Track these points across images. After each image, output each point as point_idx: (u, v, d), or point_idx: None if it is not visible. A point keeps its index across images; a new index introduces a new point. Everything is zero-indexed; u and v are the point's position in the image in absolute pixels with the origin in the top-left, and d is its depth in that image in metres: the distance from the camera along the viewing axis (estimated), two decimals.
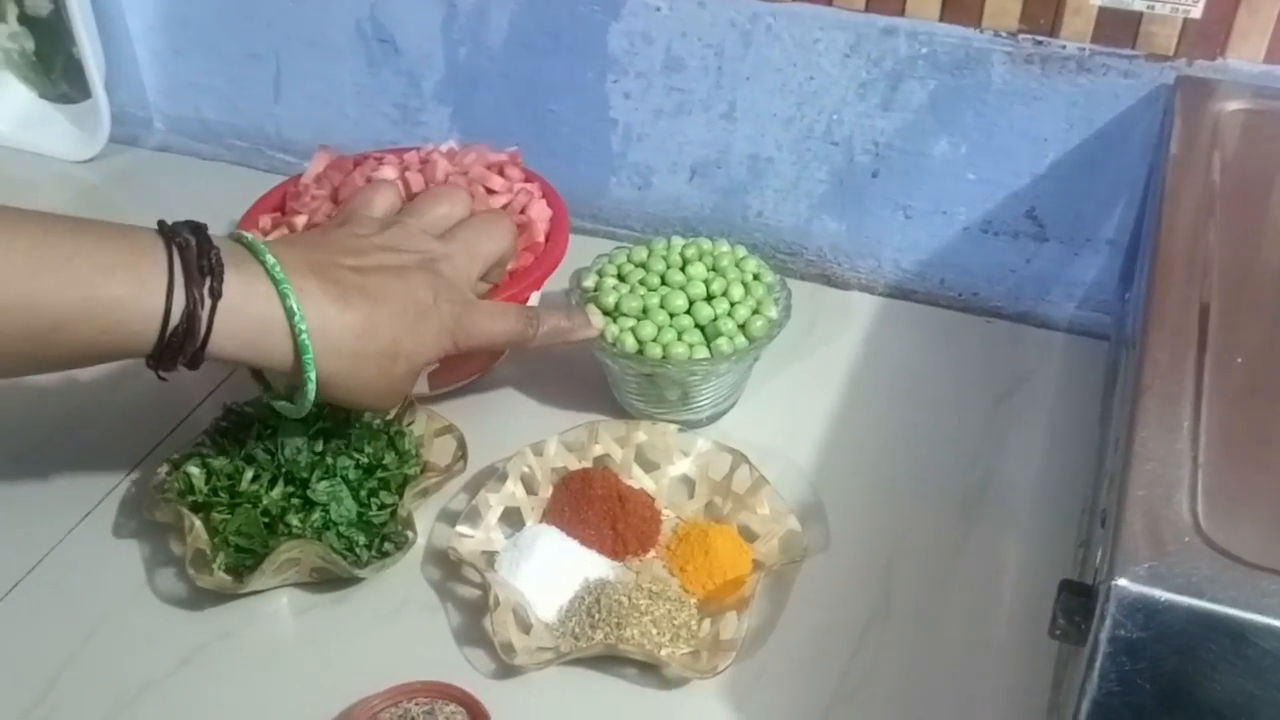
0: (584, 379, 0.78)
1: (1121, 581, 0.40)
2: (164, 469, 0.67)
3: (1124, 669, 0.41)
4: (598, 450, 0.71)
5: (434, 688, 0.58)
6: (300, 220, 0.73)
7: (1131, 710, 0.41)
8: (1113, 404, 0.67)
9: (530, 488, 0.69)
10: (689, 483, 0.70)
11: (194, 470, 0.64)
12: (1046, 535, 0.68)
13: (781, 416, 0.76)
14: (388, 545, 0.64)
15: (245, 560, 0.62)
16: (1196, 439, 0.46)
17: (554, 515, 0.68)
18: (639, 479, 0.70)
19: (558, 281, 0.75)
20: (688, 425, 0.72)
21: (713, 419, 0.75)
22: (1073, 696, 0.43)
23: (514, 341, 0.66)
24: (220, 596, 0.63)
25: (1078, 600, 0.44)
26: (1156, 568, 0.41)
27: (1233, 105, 0.70)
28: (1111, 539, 0.42)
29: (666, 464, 0.71)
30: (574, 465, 0.70)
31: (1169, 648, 0.40)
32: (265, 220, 0.76)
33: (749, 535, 0.67)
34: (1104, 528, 0.46)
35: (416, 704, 0.58)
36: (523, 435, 0.70)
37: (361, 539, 0.63)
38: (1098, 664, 0.41)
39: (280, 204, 0.77)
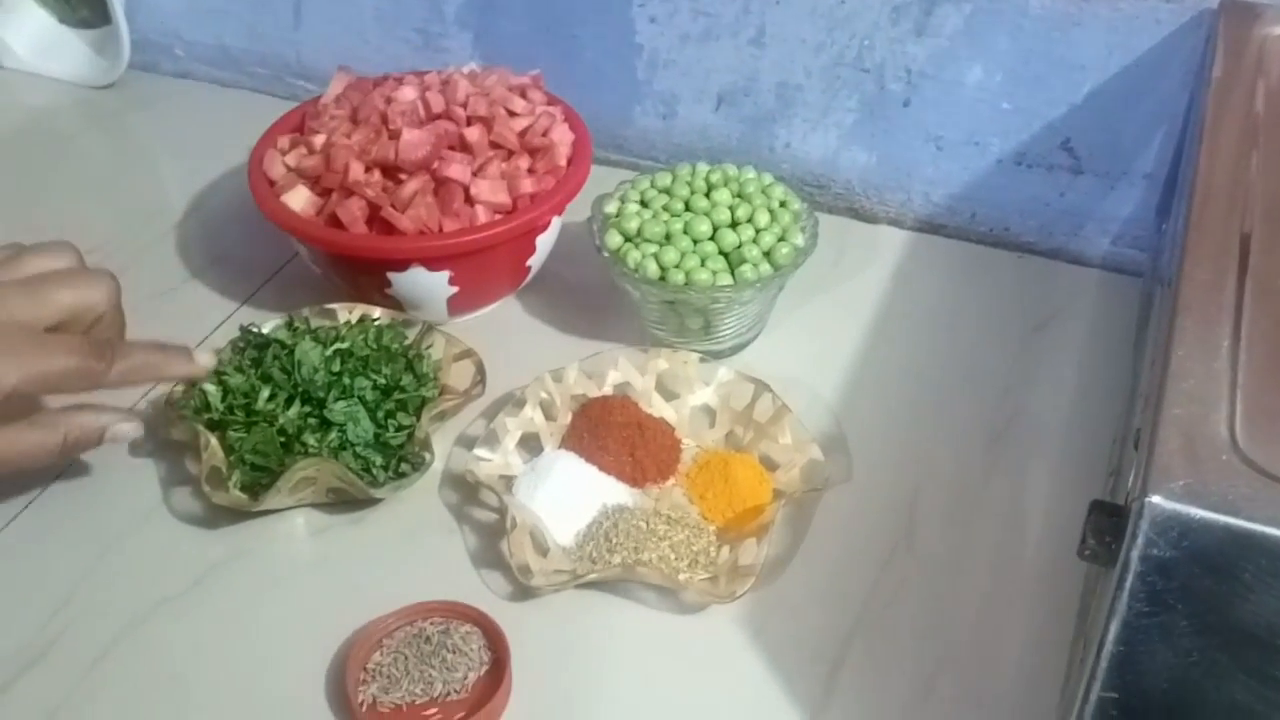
0: (605, 307, 0.77)
1: (1155, 498, 0.39)
2: (179, 387, 0.66)
3: (1155, 589, 0.40)
4: (617, 378, 0.70)
5: (449, 608, 0.58)
6: (319, 140, 0.72)
7: (1162, 632, 0.40)
8: (1146, 340, 0.65)
9: (549, 414, 0.68)
10: (709, 412, 0.69)
11: (210, 388, 0.64)
12: (1075, 469, 0.66)
13: (805, 349, 0.75)
14: (404, 466, 0.63)
15: (261, 479, 0.61)
16: (1235, 360, 0.45)
17: (573, 441, 0.67)
18: (659, 408, 0.69)
19: (582, 206, 0.74)
20: (709, 356, 0.71)
21: (735, 350, 0.74)
22: (1100, 619, 0.42)
23: (79, 379, 0.57)
24: (235, 515, 0.63)
25: (1108, 520, 0.42)
26: (1192, 485, 0.39)
27: (1278, 30, 0.67)
28: (1146, 457, 0.41)
29: (687, 393, 0.70)
30: (593, 393, 0.69)
31: (1202, 567, 0.39)
32: (283, 140, 0.74)
33: (770, 465, 0.66)
34: (1137, 449, 0.45)
35: (431, 623, 0.57)
36: (542, 362, 0.70)
37: (378, 460, 0.63)
38: (1128, 584, 0.40)
39: (299, 125, 0.76)
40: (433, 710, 0.55)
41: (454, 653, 0.56)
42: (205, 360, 0.63)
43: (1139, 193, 0.79)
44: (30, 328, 0.57)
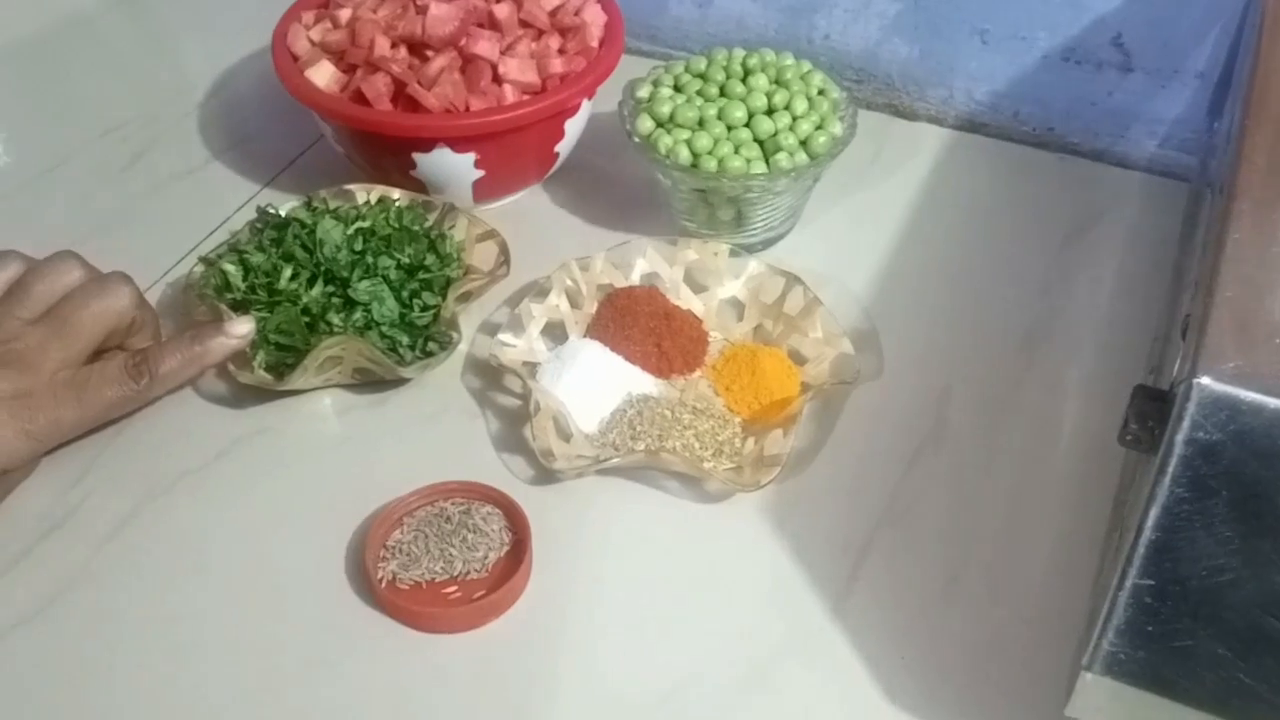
0: (634, 198, 0.75)
1: (1204, 380, 0.38)
2: (199, 268, 0.66)
3: (1199, 473, 0.39)
4: (645, 268, 0.68)
5: (471, 488, 0.57)
6: (344, 14, 0.70)
7: (1203, 517, 0.39)
8: (1193, 242, 0.63)
9: (574, 302, 0.67)
10: (738, 305, 0.68)
11: (230, 268, 0.63)
12: (1109, 372, 0.65)
13: (838, 246, 0.73)
14: (432, 345, 0.62)
15: (286, 358, 0.61)
16: None
17: (598, 330, 0.65)
18: (686, 300, 0.68)
19: (612, 95, 0.72)
20: (740, 249, 0.69)
21: (766, 244, 0.72)
22: (1139, 506, 0.40)
23: (129, 403, 0.59)
24: (260, 395, 0.62)
25: (1152, 404, 0.41)
26: (1243, 367, 0.38)
27: None
28: (1196, 339, 0.39)
29: (716, 285, 0.68)
30: (620, 282, 0.68)
31: (1250, 451, 0.38)
32: (308, 15, 0.72)
33: (798, 359, 0.65)
34: (1184, 337, 0.43)
35: (453, 503, 0.57)
36: (568, 252, 0.68)
37: (405, 339, 0.62)
38: (1170, 468, 0.39)
39: (324, 0, 0.74)
40: (452, 588, 0.54)
41: (474, 532, 0.55)
42: (242, 328, 0.60)
43: (1190, 93, 0.76)
44: (70, 367, 0.57)
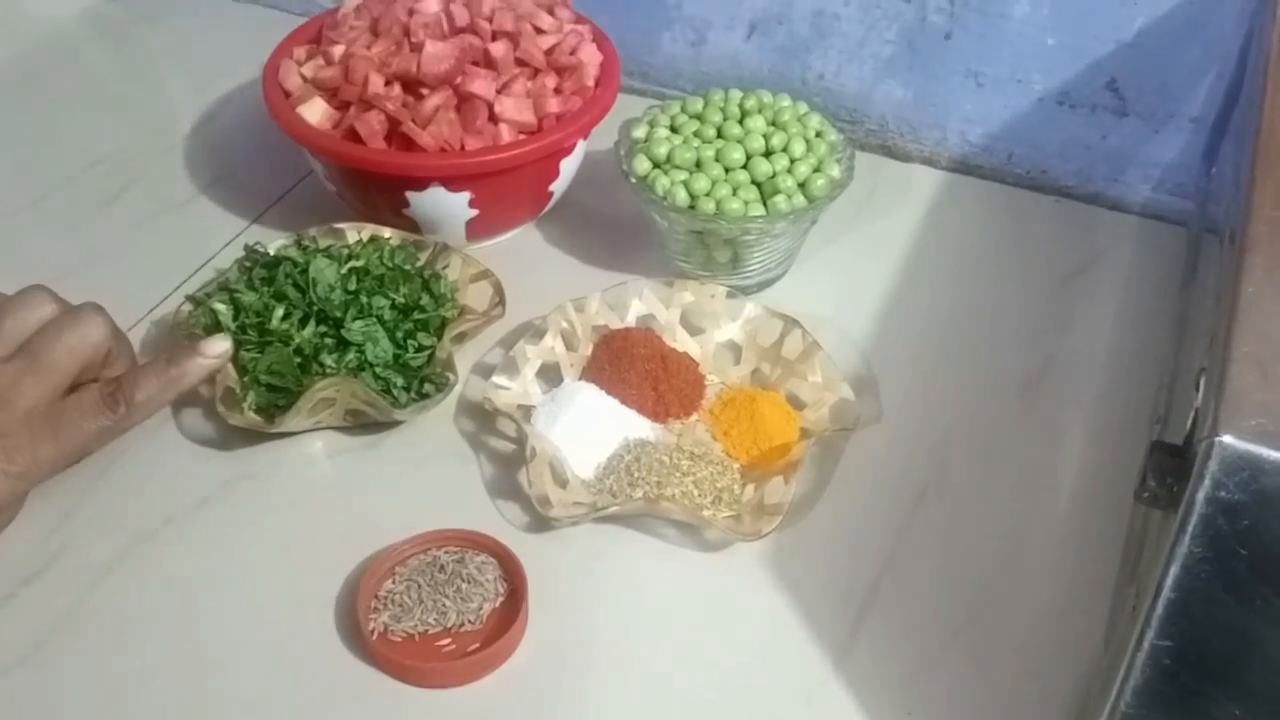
0: (628, 238, 0.74)
1: (1226, 438, 0.37)
2: (186, 306, 0.64)
3: (1220, 533, 0.38)
4: (641, 309, 0.67)
5: (465, 536, 0.56)
6: (337, 50, 0.69)
7: (1225, 578, 0.38)
8: (1195, 287, 0.63)
9: (570, 344, 0.66)
10: (735, 348, 0.67)
11: (220, 306, 0.61)
12: (1111, 417, 0.64)
13: (834, 288, 0.73)
14: (428, 387, 0.61)
15: (277, 400, 0.59)
16: None
17: (594, 373, 0.64)
18: (683, 342, 0.67)
19: (607, 133, 0.71)
20: (735, 291, 0.68)
21: (762, 286, 0.72)
22: (1157, 565, 0.40)
23: (108, 434, 0.57)
24: (249, 437, 0.61)
25: (1171, 461, 0.40)
26: (1265, 425, 0.37)
27: None
28: (1215, 395, 0.39)
29: (713, 328, 0.67)
30: (616, 324, 0.67)
31: (1273, 510, 0.37)
32: (300, 51, 0.71)
33: (797, 404, 0.64)
34: (1198, 390, 0.42)
35: (446, 552, 0.55)
36: (562, 292, 0.67)
37: (399, 381, 0.60)
38: (1191, 526, 0.38)
39: (317, 35, 0.73)
40: (446, 640, 0.53)
41: (469, 582, 0.54)
42: (218, 347, 0.58)
43: (1184, 137, 0.76)
44: (46, 403, 0.55)
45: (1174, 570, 0.39)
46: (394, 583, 0.55)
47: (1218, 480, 0.37)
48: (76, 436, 0.55)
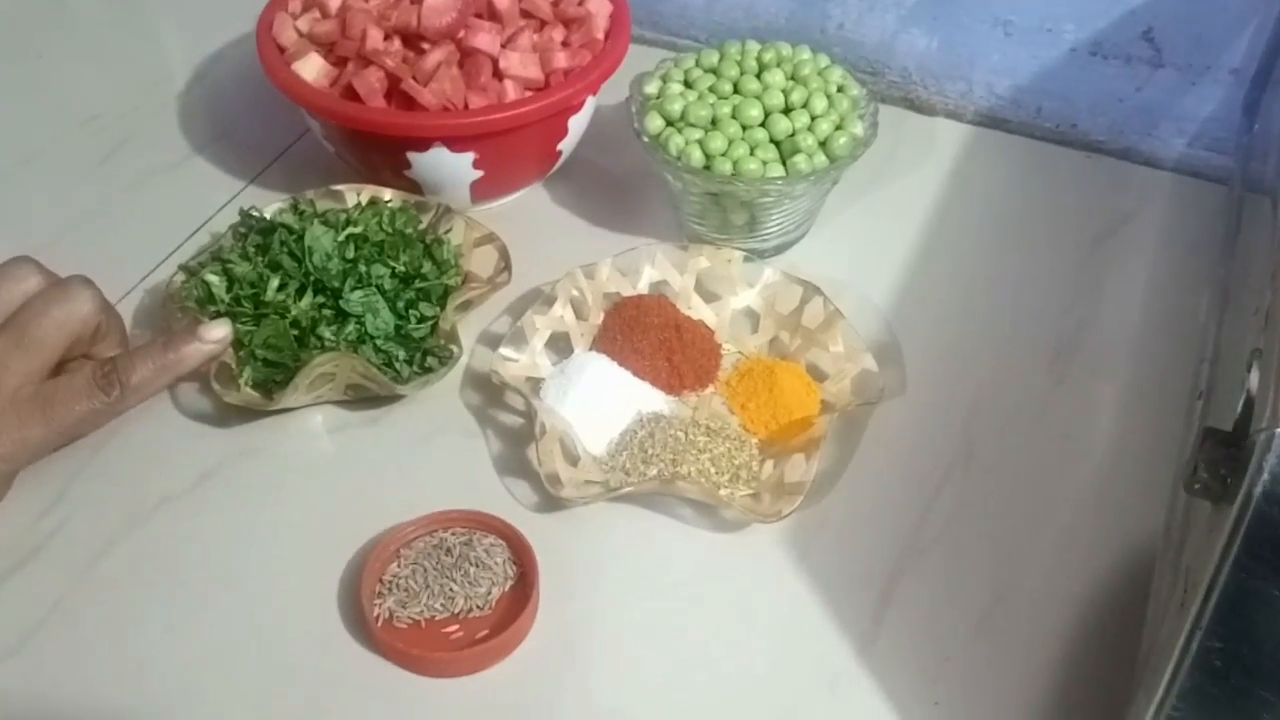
0: (640, 198, 0.71)
1: None
2: (179, 277, 0.61)
3: (1278, 528, 0.35)
4: (654, 276, 0.65)
5: (472, 517, 0.54)
6: (334, 3, 0.66)
7: None
8: (1237, 250, 0.59)
9: (580, 312, 0.63)
10: (753, 316, 0.64)
11: (213, 278, 0.59)
12: (1148, 387, 0.61)
13: (855, 250, 0.70)
14: (431, 360, 0.58)
15: (275, 375, 0.57)
16: None
17: (605, 343, 0.62)
18: (698, 309, 0.64)
19: (617, 87, 0.68)
20: (752, 254, 0.66)
21: (780, 249, 0.69)
22: (1209, 559, 0.37)
23: (100, 417, 0.54)
24: (246, 413, 0.58)
25: (1225, 451, 0.37)
26: None
27: None
28: (1275, 382, 0.36)
29: (729, 294, 0.64)
30: (628, 291, 0.64)
31: None
32: (295, 3, 0.68)
33: (817, 375, 0.61)
34: (1250, 371, 0.40)
35: (453, 534, 0.53)
36: (571, 256, 0.64)
37: (401, 353, 0.58)
38: (1246, 524, 0.36)
39: None
40: (454, 627, 0.51)
41: (477, 566, 0.52)
42: (218, 332, 0.56)
43: (1222, 90, 0.72)
44: (34, 381, 0.53)
45: (1227, 568, 0.36)
46: (399, 566, 0.52)
47: (1277, 474, 0.35)
48: (67, 418, 0.53)
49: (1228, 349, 0.51)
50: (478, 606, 0.51)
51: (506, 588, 0.52)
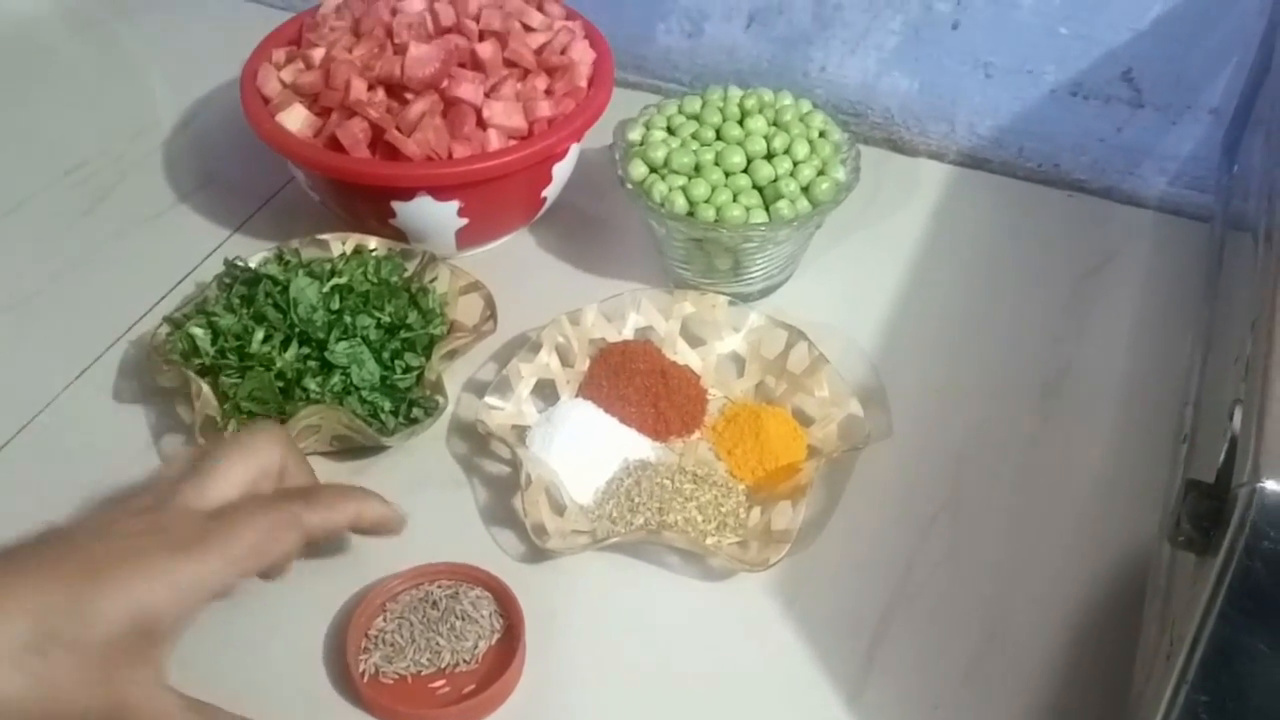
0: (624, 243, 0.72)
1: (1270, 484, 0.34)
2: (164, 329, 0.61)
3: (1261, 583, 0.35)
4: (640, 321, 0.65)
5: (458, 570, 0.53)
6: (317, 54, 0.66)
7: (1266, 629, 0.36)
8: (1220, 290, 0.60)
9: (565, 359, 0.63)
10: (738, 360, 0.64)
11: (198, 331, 0.59)
12: (1135, 428, 0.62)
13: (840, 292, 0.70)
14: (416, 411, 0.58)
15: None
16: None
17: (591, 390, 0.62)
18: (683, 354, 0.64)
19: (601, 132, 0.68)
20: (737, 298, 0.66)
21: (765, 293, 0.69)
22: (1194, 614, 0.37)
23: (274, 561, 0.47)
24: None
25: (1208, 504, 0.37)
26: None
27: None
28: (1255, 436, 0.36)
29: (714, 339, 0.64)
30: (613, 337, 0.64)
31: None
32: (279, 54, 0.68)
33: (804, 419, 0.61)
34: (1232, 420, 0.40)
35: (439, 587, 0.53)
36: (556, 302, 0.64)
37: (387, 404, 0.58)
38: (1229, 578, 0.36)
39: (296, 37, 0.70)
40: (440, 682, 0.50)
41: (463, 619, 0.52)
42: (389, 507, 0.50)
43: (1202, 129, 0.73)
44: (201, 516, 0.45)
45: (1211, 621, 0.37)
46: (385, 620, 0.52)
47: (1259, 529, 0.35)
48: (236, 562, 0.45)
49: (1210, 393, 0.52)
50: (464, 660, 0.51)
51: (493, 641, 0.52)
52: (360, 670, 0.50)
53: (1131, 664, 0.47)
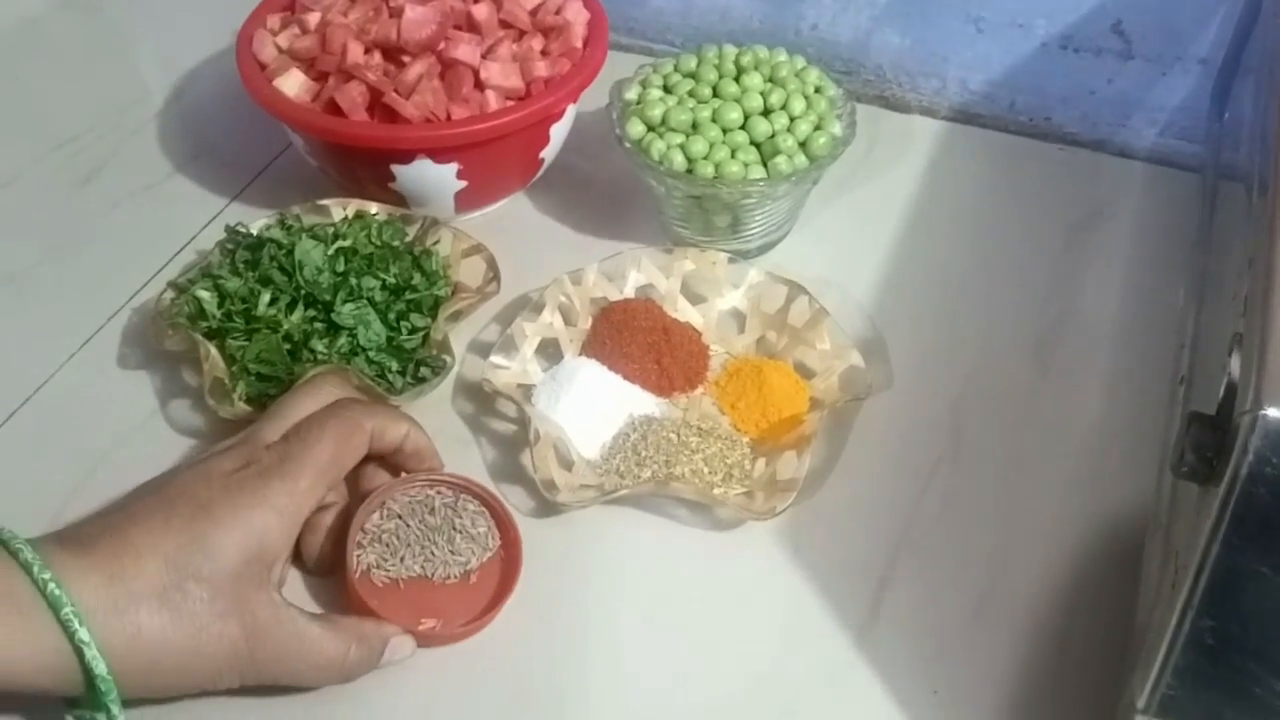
0: (622, 203, 0.72)
1: (1272, 411, 0.35)
2: (168, 294, 0.62)
3: (1264, 508, 0.36)
4: (640, 280, 0.65)
5: (459, 481, 0.54)
6: (313, 18, 0.66)
7: (1270, 554, 0.37)
8: (1213, 237, 0.60)
9: (568, 318, 0.64)
10: (739, 316, 0.65)
11: (204, 294, 0.59)
12: (1130, 374, 0.63)
13: (836, 248, 0.70)
14: (424, 370, 0.59)
15: (268, 389, 0.57)
16: None
17: (594, 348, 0.62)
18: (684, 312, 0.65)
19: (596, 94, 0.68)
20: (736, 256, 0.66)
21: (763, 249, 0.69)
22: (1199, 542, 0.38)
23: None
24: (238, 427, 0.58)
25: (1211, 434, 0.38)
26: None
27: None
28: (1256, 365, 0.37)
29: (715, 296, 0.65)
30: (614, 296, 0.64)
31: None
32: (274, 19, 0.68)
33: (805, 372, 0.62)
34: (1232, 354, 0.41)
35: (439, 494, 0.53)
36: (558, 263, 0.65)
37: (394, 365, 0.58)
38: (1233, 503, 0.37)
39: (289, 3, 0.70)
40: (429, 594, 0.51)
41: (461, 534, 0.52)
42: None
43: (1192, 80, 0.74)
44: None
45: (1216, 548, 0.37)
46: (382, 518, 0.52)
47: (1262, 455, 0.36)
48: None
49: (1207, 334, 0.52)
50: (454, 575, 0.52)
51: (485, 559, 0.52)
52: (354, 567, 0.51)
53: (1134, 598, 0.48)
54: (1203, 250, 0.61)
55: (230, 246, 0.63)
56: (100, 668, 0.42)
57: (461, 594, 0.52)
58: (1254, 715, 0.39)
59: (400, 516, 0.53)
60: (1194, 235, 0.65)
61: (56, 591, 0.42)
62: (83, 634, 0.42)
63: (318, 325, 0.58)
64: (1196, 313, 0.57)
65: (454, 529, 0.52)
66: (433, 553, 0.52)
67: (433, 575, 0.51)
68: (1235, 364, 0.40)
